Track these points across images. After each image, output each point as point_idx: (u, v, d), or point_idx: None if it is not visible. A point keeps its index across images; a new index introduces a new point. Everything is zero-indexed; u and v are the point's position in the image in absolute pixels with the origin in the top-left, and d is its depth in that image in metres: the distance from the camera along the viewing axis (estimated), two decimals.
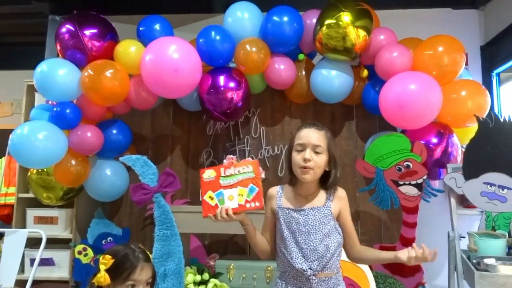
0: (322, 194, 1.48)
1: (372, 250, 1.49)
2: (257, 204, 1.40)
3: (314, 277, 1.38)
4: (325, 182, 1.48)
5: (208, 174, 1.47)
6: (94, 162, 2.68)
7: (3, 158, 3.35)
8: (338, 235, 1.45)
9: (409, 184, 2.35)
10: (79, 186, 2.72)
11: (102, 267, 1.33)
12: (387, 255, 1.38)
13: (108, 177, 2.68)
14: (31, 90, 2.96)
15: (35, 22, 3.83)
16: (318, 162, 1.41)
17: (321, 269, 1.38)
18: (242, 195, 1.41)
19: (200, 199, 1.46)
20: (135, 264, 1.36)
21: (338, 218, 1.49)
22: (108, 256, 1.35)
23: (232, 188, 1.43)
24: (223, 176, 1.45)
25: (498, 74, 2.98)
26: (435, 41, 2.37)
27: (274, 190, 1.55)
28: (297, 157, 1.42)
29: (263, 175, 2.54)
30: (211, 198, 1.44)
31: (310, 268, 1.38)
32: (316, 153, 1.41)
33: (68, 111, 2.42)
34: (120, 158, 2.14)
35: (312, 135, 1.43)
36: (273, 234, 1.52)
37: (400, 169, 2.35)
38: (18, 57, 4.67)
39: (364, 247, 1.50)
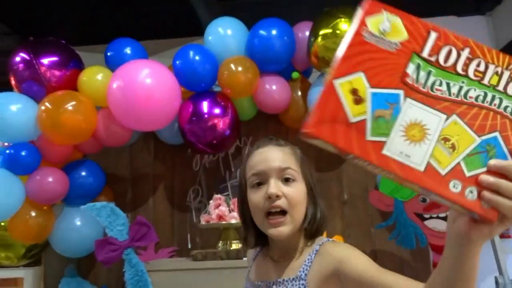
0: (303, 255, 0.87)
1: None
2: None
3: None
4: (308, 231, 0.88)
5: (382, 19, 0.50)
6: (60, 211, 2.28)
7: None
8: None
9: (437, 217, 1.96)
10: (44, 241, 2.30)
11: None
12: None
13: (77, 228, 2.25)
14: None
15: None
16: (293, 195, 0.83)
17: None
18: (455, 151, 0.48)
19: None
20: None
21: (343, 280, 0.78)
22: None
23: (437, 110, 0.49)
24: (427, 61, 0.50)
25: None
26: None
27: (251, 253, 1.02)
28: (255, 198, 0.84)
29: None
30: (357, 100, 0.48)
31: None
32: (286, 181, 0.85)
33: (23, 153, 2.05)
34: (82, 207, 1.76)
35: (273, 156, 0.87)
36: None
37: (424, 200, 1.96)
38: None
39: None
